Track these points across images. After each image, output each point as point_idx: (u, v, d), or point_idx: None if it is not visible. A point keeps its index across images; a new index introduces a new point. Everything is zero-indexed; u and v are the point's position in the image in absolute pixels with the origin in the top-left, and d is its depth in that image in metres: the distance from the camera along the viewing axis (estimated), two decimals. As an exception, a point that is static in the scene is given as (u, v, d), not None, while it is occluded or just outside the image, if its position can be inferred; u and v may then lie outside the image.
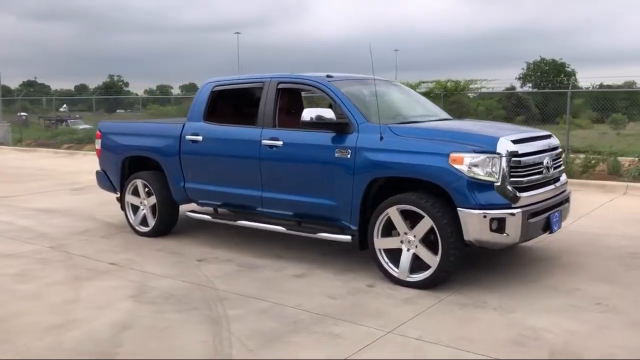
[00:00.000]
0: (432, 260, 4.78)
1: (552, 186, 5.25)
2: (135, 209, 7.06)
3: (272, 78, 5.95)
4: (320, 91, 5.68)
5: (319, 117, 5.22)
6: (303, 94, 6.92)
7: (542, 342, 3.88)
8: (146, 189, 6.90)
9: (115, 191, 7.49)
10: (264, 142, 5.73)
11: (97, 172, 7.76)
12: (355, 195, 5.14)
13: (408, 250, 4.92)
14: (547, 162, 5.17)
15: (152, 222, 6.90)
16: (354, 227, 5.28)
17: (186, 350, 3.88)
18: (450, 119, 6.36)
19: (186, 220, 7.02)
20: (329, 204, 5.35)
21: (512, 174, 4.72)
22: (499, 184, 4.62)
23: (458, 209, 4.62)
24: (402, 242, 4.95)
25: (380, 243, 5.07)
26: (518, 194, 4.71)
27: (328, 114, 5.23)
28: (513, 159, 4.71)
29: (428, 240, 4.85)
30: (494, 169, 4.62)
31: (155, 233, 6.90)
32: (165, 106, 30.81)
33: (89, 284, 5.25)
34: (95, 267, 5.74)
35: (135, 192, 7.07)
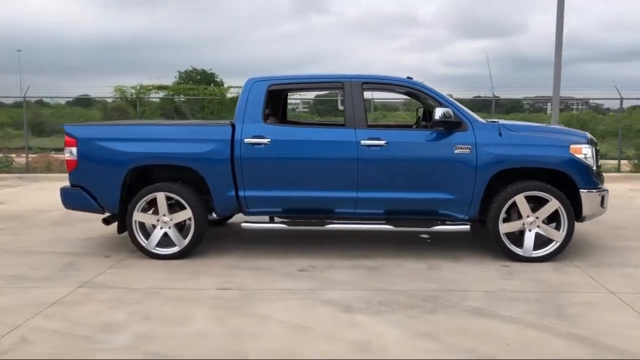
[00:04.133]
0: (558, 235, 5.60)
1: None
2: (141, 227, 5.91)
3: (352, 78, 5.85)
4: (420, 92, 5.90)
5: (446, 116, 5.51)
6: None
7: None
8: (169, 203, 5.82)
9: (101, 210, 6.00)
10: (363, 142, 5.63)
11: (66, 189, 6.06)
12: (477, 187, 5.57)
13: (530, 230, 5.63)
14: None
15: (180, 241, 5.83)
16: (465, 217, 5.70)
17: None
18: None
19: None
20: (446, 197, 5.62)
21: (594, 160, 5.91)
22: (594, 168, 5.74)
23: (580, 190, 5.57)
24: (523, 224, 5.63)
25: (504, 228, 5.63)
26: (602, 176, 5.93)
27: (450, 113, 5.56)
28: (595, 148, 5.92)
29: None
30: (593, 157, 5.74)
31: (182, 254, 5.86)
32: None
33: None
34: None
35: (146, 209, 5.88)
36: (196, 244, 5.89)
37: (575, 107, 27.64)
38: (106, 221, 6.15)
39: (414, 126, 6.95)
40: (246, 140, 5.70)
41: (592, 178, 5.62)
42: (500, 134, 5.60)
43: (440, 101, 5.74)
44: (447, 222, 5.77)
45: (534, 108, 27.30)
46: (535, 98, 25.28)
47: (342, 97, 5.89)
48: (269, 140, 5.69)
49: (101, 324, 4.14)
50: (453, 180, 5.58)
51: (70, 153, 5.90)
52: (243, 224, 5.92)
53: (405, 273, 5.33)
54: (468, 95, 16.20)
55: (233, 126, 5.80)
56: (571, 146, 5.60)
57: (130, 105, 14.84)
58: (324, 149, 5.71)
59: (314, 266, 5.59)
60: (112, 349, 3.73)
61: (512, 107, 18.96)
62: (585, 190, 5.57)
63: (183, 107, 14.84)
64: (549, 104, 16.75)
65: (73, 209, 6.20)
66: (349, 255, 5.92)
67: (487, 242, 5.91)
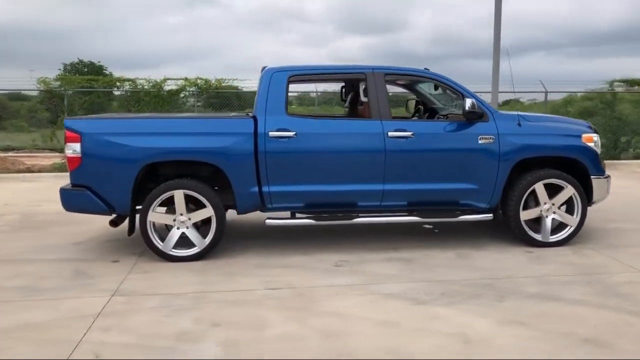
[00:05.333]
0: (573, 220, 5.88)
1: None
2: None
3: (374, 69, 5.78)
4: (441, 83, 5.93)
5: (474, 107, 5.59)
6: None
7: None
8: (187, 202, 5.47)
9: (109, 212, 5.50)
10: (390, 133, 5.59)
11: (68, 190, 5.49)
12: (500, 176, 5.72)
13: (547, 217, 5.87)
14: None
15: (200, 241, 5.50)
16: (487, 206, 5.84)
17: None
18: None
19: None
20: (469, 187, 5.72)
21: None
22: (600, 156, 6.10)
23: (591, 177, 5.88)
24: (541, 211, 5.87)
25: (524, 215, 5.83)
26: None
27: (475, 104, 5.65)
28: (595, 137, 6.28)
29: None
30: (599, 145, 6.09)
31: (201, 256, 5.53)
32: None
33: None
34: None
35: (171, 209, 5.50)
36: (216, 243, 5.57)
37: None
38: (114, 223, 5.67)
39: (413, 117, 7.00)
40: (271, 133, 5.47)
41: (601, 165, 5.96)
42: (519, 124, 5.79)
43: (462, 92, 5.82)
44: (469, 212, 5.88)
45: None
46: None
47: (364, 88, 5.82)
48: (295, 133, 5.50)
49: (172, 333, 3.81)
50: (477, 170, 5.70)
51: (73, 150, 5.35)
52: (267, 221, 5.68)
53: (441, 263, 5.37)
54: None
55: (254, 119, 5.54)
56: (583, 135, 5.91)
57: (58, 99, 13.71)
58: (352, 141, 5.61)
59: (346, 261, 5.48)
60: (207, 357, 3.44)
61: (399, 103, 19.32)
62: (595, 177, 5.90)
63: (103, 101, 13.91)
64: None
65: (76, 211, 5.64)
66: (375, 248, 5.87)
67: (495, 229, 6.10)
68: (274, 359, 3.43)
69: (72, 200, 5.49)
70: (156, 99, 14.16)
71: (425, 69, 6.15)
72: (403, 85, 7.12)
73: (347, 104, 6.87)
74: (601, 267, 5.20)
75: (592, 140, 5.92)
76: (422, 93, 7.01)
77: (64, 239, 6.47)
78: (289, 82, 5.69)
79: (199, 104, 14.09)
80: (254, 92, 15.91)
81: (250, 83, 14.71)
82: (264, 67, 6.10)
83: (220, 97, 14.59)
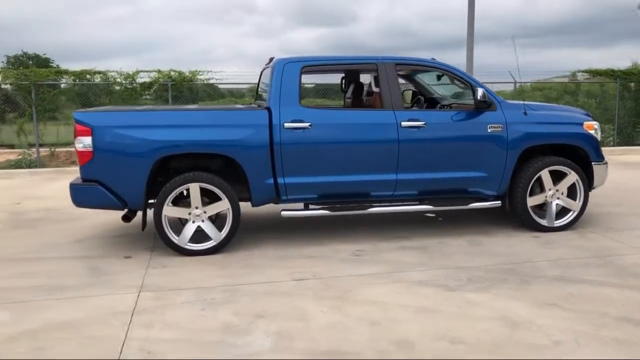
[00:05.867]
0: (576, 205, 6.09)
1: None
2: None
3: (385, 59, 5.81)
4: (449, 73, 6.00)
5: (484, 96, 5.71)
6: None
7: None
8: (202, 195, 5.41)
9: (121, 207, 5.38)
10: (404, 123, 5.65)
11: (78, 185, 5.33)
12: (508, 164, 5.86)
13: (551, 202, 6.06)
14: None
15: (216, 234, 5.44)
16: (495, 194, 5.98)
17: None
18: None
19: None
20: (479, 175, 5.84)
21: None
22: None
23: (592, 163, 6.10)
24: (546, 197, 6.05)
25: (531, 201, 5.99)
26: (600, 150, 6.54)
27: (485, 93, 5.76)
28: (592, 126, 6.50)
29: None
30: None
31: (216, 249, 5.48)
32: None
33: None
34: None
35: (176, 202, 5.41)
36: (232, 236, 5.52)
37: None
38: (127, 218, 5.55)
39: (412, 107, 7.08)
40: (286, 124, 5.45)
41: (600, 152, 6.19)
42: (525, 113, 5.94)
43: (470, 82, 5.93)
44: (478, 200, 6.01)
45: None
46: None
47: (375, 78, 5.86)
48: (309, 124, 5.49)
49: (217, 327, 3.77)
50: (487, 159, 5.83)
51: (83, 144, 5.20)
52: (283, 212, 5.66)
53: (456, 250, 5.48)
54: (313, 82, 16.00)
55: (268, 110, 5.51)
56: (585, 123, 6.12)
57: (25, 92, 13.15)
58: (366, 131, 5.64)
59: (362, 250, 5.53)
60: (266, 351, 3.43)
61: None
62: (596, 163, 6.12)
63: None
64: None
65: (87, 206, 5.50)
66: (387, 238, 5.94)
67: (497, 215, 6.26)
68: (333, 348, 3.45)
69: (83, 195, 5.34)
70: (128, 91, 13.80)
71: (432, 59, 6.22)
72: (402, 76, 7.19)
73: (349, 94, 6.89)
74: (609, 250, 5.41)
75: (593, 127, 6.14)
76: (420, 83, 7.10)
77: (63, 236, 6.28)
78: (302, 72, 5.67)
79: (174, 94, 13.69)
80: (232, 85, 15.94)
81: (223, 75, 14.52)
82: (271, 58, 6.06)
83: (192, 91, 14.29)
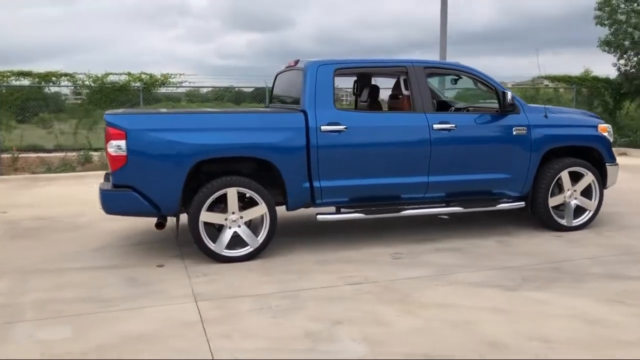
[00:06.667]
0: (591, 205, 6.31)
1: None
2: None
3: (414, 63, 5.84)
4: (475, 78, 6.08)
5: (512, 100, 5.83)
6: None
7: None
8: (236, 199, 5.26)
9: (156, 213, 5.16)
10: (436, 126, 5.69)
11: (111, 191, 5.07)
12: (532, 165, 6.01)
13: (569, 202, 6.26)
14: None
15: (253, 240, 5.30)
16: (518, 195, 6.12)
17: None
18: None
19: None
20: (505, 177, 5.95)
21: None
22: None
23: (606, 164, 6.34)
24: (564, 197, 6.24)
25: (551, 202, 6.17)
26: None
27: (513, 97, 5.89)
28: (601, 128, 6.76)
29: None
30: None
31: (253, 255, 5.34)
32: None
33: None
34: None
35: (211, 208, 5.24)
36: (269, 242, 5.39)
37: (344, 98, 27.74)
38: (161, 225, 5.33)
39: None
40: (322, 127, 5.38)
41: (612, 153, 6.45)
42: (546, 116, 6.12)
43: (495, 85, 6.04)
44: (504, 201, 6.13)
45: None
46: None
47: (404, 81, 5.88)
48: (345, 127, 5.44)
49: (300, 334, 3.67)
50: (512, 160, 5.96)
51: (117, 147, 4.94)
52: (319, 217, 5.59)
53: (489, 252, 5.55)
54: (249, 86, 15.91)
55: (304, 113, 5.42)
56: (599, 125, 6.36)
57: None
58: (401, 134, 5.66)
59: (400, 253, 5.53)
60: (365, 357, 3.35)
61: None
62: (609, 164, 6.37)
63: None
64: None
65: (119, 213, 5.24)
66: (416, 240, 5.97)
67: (504, 216, 6.43)
68: (429, 352, 3.41)
69: (115, 201, 5.08)
70: (98, 94, 13.27)
71: (457, 62, 6.31)
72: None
73: (365, 98, 6.87)
74: (633, 247, 5.63)
75: (606, 130, 6.39)
76: (430, 87, 7.17)
77: (76, 245, 5.95)
78: (335, 75, 5.62)
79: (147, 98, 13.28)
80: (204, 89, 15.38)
81: (195, 78, 14.24)
82: (297, 61, 5.98)
83: (163, 94, 13.93)
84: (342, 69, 5.72)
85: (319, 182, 5.44)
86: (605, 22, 16.54)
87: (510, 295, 4.34)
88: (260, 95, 15.20)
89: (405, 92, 5.89)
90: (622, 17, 16.74)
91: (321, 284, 4.64)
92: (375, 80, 7.05)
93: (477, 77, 6.12)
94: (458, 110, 6.63)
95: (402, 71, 5.89)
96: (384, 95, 7.17)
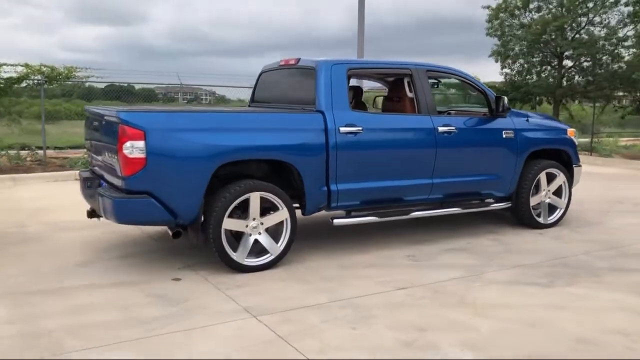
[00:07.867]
0: (562, 203, 6.79)
1: None
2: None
3: (417, 65, 5.88)
4: (467, 82, 6.25)
5: (505, 104, 6.11)
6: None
7: None
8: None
9: (173, 222, 4.68)
10: (440, 128, 5.78)
11: (126, 200, 4.50)
12: (517, 167, 6.34)
13: (544, 201, 6.69)
14: None
15: (274, 247, 5.03)
16: (504, 195, 6.43)
17: None
18: None
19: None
20: (494, 178, 6.22)
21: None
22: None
23: (574, 165, 6.86)
24: (541, 197, 6.65)
25: (532, 201, 6.55)
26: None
27: (506, 102, 6.17)
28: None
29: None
30: None
31: (273, 263, 5.07)
32: None
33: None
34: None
35: (230, 215, 4.87)
36: (289, 248, 5.14)
37: (204, 97, 26.86)
38: (179, 234, 4.83)
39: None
40: (341, 129, 5.24)
41: (578, 156, 7.00)
42: (527, 121, 6.49)
43: (485, 90, 6.29)
44: (491, 201, 6.43)
45: (167, 97, 24.58)
46: (167, 87, 23.54)
47: (408, 83, 5.92)
48: (362, 128, 5.35)
49: (397, 344, 3.56)
50: (501, 162, 6.26)
51: (134, 149, 4.41)
52: (336, 221, 5.42)
53: (496, 250, 5.77)
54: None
55: (322, 114, 5.25)
56: (568, 130, 6.87)
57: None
58: (412, 136, 5.70)
59: (412, 255, 5.55)
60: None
61: (147, 96, 18.71)
62: (576, 165, 6.92)
63: None
64: (180, 94, 17.20)
65: (134, 222, 4.73)
66: (420, 241, 6.04)
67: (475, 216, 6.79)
68: (533, 351, 3.46)
69: (131, 210, 4.53)
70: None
71: (452, 67, 6.47)
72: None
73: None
74: (613, 242, 6.14)
75: (574, 134, 6.93)
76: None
77: (49, 261, 5.19)
78: (348, 75, 5.50)
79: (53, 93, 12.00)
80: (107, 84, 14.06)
81: (100, 73, 13.14)
82: (298, 59, 5.77)
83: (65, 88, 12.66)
84: (354, 69, 5.64)
85: (336, 185, 5.29)
86: (497, 34, 17.96)
87: (552, 292, 4.54)
88: (113, 93, 14.76)
89: (409, 95, 5.93)
90: (507, 29, 18.31)
91: (368, 291, 4.51)
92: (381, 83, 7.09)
93: (469, 82, 6.33)
94: (441, 113, 6.79)
95: (407, 73, 5.91)
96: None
